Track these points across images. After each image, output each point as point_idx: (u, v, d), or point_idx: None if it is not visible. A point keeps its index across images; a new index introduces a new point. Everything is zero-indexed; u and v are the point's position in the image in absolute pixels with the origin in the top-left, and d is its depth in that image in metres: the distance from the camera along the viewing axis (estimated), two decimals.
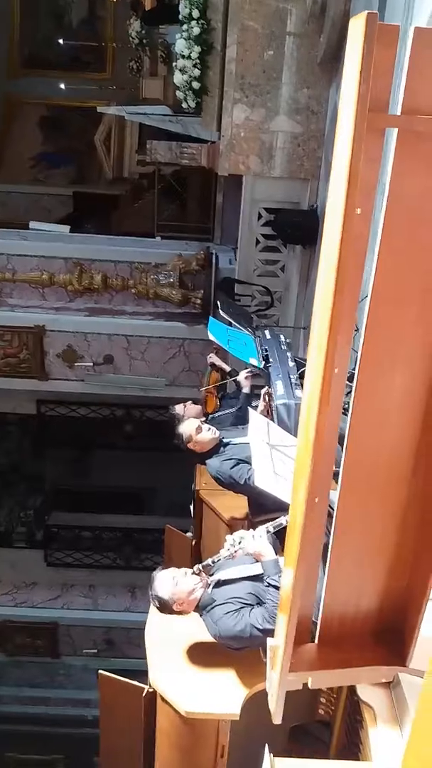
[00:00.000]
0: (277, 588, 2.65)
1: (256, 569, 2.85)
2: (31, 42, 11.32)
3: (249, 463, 3.30)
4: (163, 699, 2.89)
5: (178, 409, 4.31)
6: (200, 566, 2.84)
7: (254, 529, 2.96)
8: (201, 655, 2.98)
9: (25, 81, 11.24)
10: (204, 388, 4.90)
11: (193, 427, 3.64)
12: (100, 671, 3.33)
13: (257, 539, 2.81)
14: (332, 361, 1.55)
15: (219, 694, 2.84)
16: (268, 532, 2.85)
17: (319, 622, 1.99)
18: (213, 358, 4.92)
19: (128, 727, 3.17)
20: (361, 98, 1.30)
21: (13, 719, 8.39)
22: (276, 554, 2.84)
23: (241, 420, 3.87)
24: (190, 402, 4.38)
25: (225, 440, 3.64)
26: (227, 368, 4.80)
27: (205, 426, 3.64)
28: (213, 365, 4.91)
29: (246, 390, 4.17)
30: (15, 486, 9.33)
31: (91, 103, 9.43)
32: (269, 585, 2.72)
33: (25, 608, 8.77)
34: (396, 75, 1.38)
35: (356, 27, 1.29)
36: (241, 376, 4.21)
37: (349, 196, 1.36)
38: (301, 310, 6.64)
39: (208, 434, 3.62)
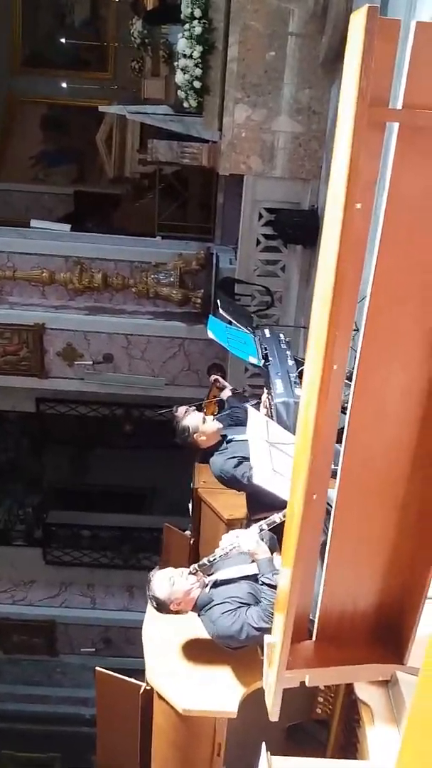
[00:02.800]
0: (271, 586, 2.66)
1: (254, 568, 2.85)
2: (32, 41, 11.32)
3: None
4: (160, 697, 2.88)
5: (181, 411, 4.36)
6: (197, 566, 2.85)
7: (251, 527, 2.96)
8: (198, 653, 2.98)
9: (26, 80, 11.25)
10: (205, 402, 5.04)
11: (198, 418, 3.71)
12: (98, 668, 3.33)
13: (250, 538, 2.82)
14: (331, 358, 1.55)
15: (216, 692, 2.84)
16: (261, 530, 2.86)
17: (316, 620, 1.99)
18: (216, 377, 5.17)
19: (125, 724, 3.17)
20: (362, 92, 1.29)
21: (9, 717, 8.38)
22: (274, 552, 2.84)
23: (237, 422, 3.89)
24: (193, 408, 4.43)
25: (227, 437, 3.66)
26: (228, 386, 4.94)
27: (209, 417, 3.69)
28: (216, 381, 5.08)
29: (227, 393, 4.29)
30: (14, 484, 9.32)
31: (93, 103, 9.43)
32: (263, 584, 2.73)
33: (23, 606, 8.77)
34: (398, 70, 1.38)
35: (357, 21, 1.28)
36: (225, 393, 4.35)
37: (349, 190, 1.35)
38: (301, 310, 6.64)
39: (214, 424, 3.69)
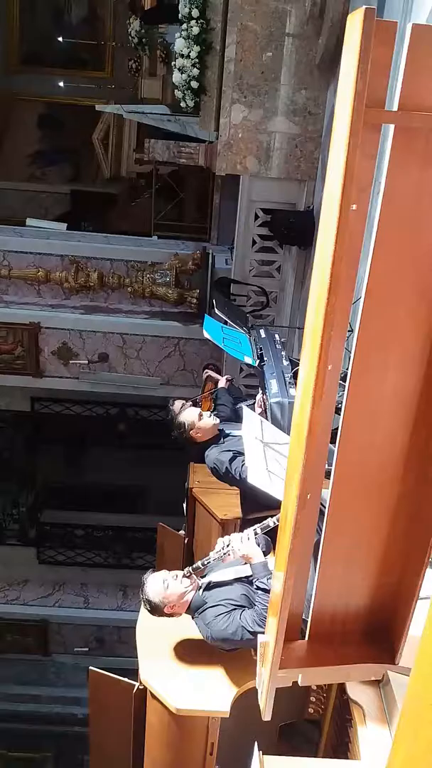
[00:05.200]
0: (265, 591, 2.67)
1: (247, 570, 2.85)
2: (29, 39, 11.29)
3: None
4: (153, 696, 2.88)
5: (177, 405, 4.36)
6: (191, 569, 2.85)
7: (244, 527, 2.96)
8: (191, 652, 2.99)
9: (23, 78, 11.22)
10: (200, 396, 5.04)
11: (195, 414, 3.71)
12: (91, 668, 3.32)
13: (245, 542, 2.81)
14: (326, 357, 1.55)
15: (209, 692, 2.84)
16: (255, 534, 2.86)
17: (309, 620, 1.99)
18: (209, 372, 5.15)
19: (118, 724, 3.17)
20: (358, 94, 1.30)
21: (2, 717, 8.37)
22: (268, 555, 2.85)
23: (232, 419, 3.90)
24: (189, 403, 4.43)
25: (224, 431, 3.67)
26: (222, 379, 4.95)
27: (206, 413, 3.69)
28: (209, 377, 5.09)
29: (222, 384, 4.29)
30: (8, 483, 9.30)
31: (90, 102, 9.41)
32: (258, 588, 2.73)
33: (16, 605, 8.75)
34: (393, 72, 1.39)
35: (354, 22, 1.29)
36: (221, 382, 4.34)
37: (344, 191, 1.36)
38: (296, 311, 6.65)
39: (210, 420, 3.69)
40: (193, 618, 2.83)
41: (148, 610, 2.84)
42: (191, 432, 3.66)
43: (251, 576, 2.82)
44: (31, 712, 8.56)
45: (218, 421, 3.72)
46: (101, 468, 9.45)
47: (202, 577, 2.88)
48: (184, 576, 2.81)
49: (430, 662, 1.28)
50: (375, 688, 2.52)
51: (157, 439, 7.80)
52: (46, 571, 9.02)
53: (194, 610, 2.81)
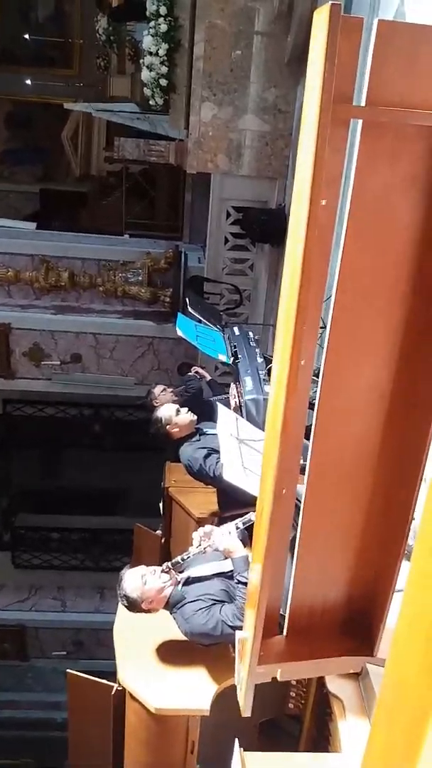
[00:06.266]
0: (246, 585, 2.66)
1: (226, 566, 2.85)
2: None
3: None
4: (132, 696, 2.87)
5: (156, 390, 4.39)
6: (169, 564, 2.83)
7: (223, 524, 2.96)
8: (170, 651, 2.97)
9: None
10: (183, 387, 5.02)
11: (172, 409, 3.71)
12: (69, 670, 3.29)
13: (227, 536, 2.81)
14: (298, 352, 1.55)
15: (188, 690, 2.84)
16: (237, 528, 2.86)
17: (287, 614, 2.00)
18: (197, 369, 5.16)
19: (97, 726, 3.14)
20: (326, 89, 1.30)
21: None
22: (246, 550, 2.85)
23: (205, 416, 3.90)
24: (171, 390, 4.44)
25: (201, 429, 3.68)
26: (208, 377, 4.96)
27: (183, 409, 3.71)
28: (197, 373, 5.09)
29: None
30: None
31: (58, 100, 9.32)
32: (239, 582, 2.73)
33: None
34: (361, 68, 1.39)
35: (320, 18, 1.29)
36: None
37: (314, 186, 1.36)
38: (269, 308, 6.67)
39: (187, 416, 3.70)
40: (171, 613, 2.81)
41: (126, 606, 2.81)
42: (168, 427, 3.67)
43: (231, 571, 2.82)
44: (10, 718, 8.45)
45: (194, 417, 3.73)
46: (76, 470, 9.36)
47: (181, 572, 2.87)
48: (162, 571, 2.80)
49: (404, 652, 1.29)
50: (354, 681, 2.53)
51: (133, 439, 7.76)
52: (22, 576, 8.91)
53: (173, 605, 2.79)
